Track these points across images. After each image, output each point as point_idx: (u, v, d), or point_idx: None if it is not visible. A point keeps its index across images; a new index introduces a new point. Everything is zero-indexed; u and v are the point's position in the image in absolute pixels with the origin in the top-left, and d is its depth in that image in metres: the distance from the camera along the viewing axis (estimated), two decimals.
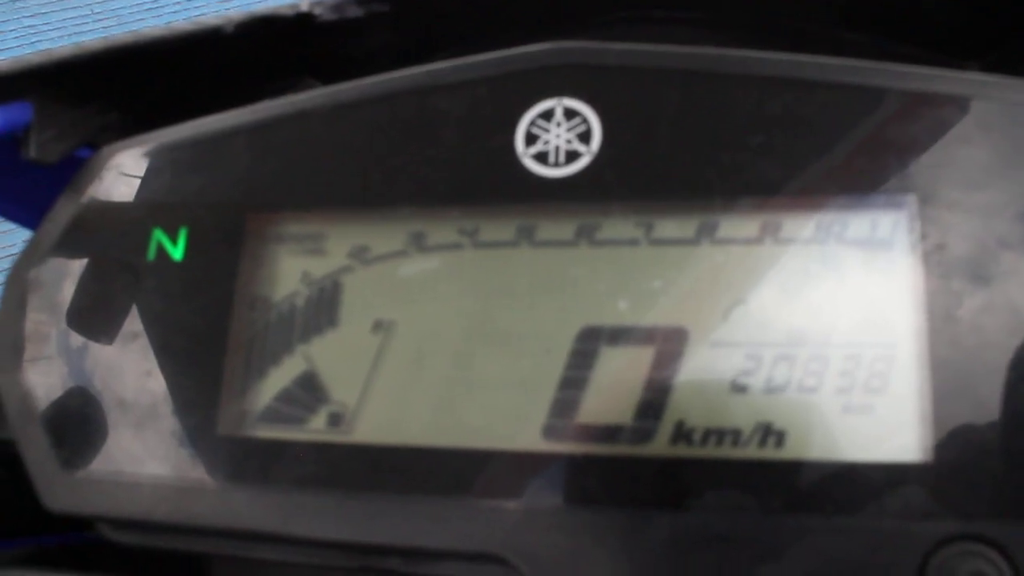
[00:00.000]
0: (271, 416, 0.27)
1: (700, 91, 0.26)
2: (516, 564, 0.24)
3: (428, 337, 0.27)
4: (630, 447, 0.24)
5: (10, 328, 0.31)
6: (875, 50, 0.33)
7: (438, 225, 0.27)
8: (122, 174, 0.31)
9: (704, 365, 0.25)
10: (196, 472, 0.27)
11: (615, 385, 0.25)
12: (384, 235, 0.28)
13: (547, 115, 0.27)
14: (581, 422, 0.25)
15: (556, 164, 0.27)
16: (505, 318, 0.26)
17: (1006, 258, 0.23)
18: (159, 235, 0.30)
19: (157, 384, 0.28)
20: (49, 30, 1.91)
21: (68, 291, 0.31)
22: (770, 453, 0.24)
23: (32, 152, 0.33)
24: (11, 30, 1.89)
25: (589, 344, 0.25)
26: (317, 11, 0.34)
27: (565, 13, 0.36)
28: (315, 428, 0.27)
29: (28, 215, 0.37)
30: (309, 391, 0.27)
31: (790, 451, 0.23)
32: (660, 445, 0.24)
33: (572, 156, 0.27)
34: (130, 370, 0.29)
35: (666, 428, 0.24)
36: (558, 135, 0.27)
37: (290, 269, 0.29)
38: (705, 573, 0.23)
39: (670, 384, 0.25)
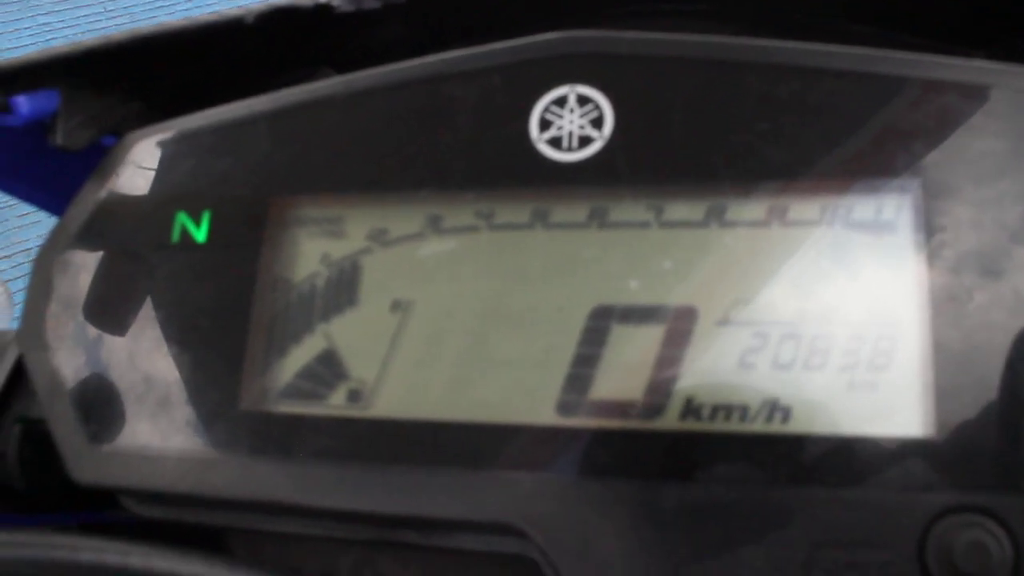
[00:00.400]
0: (292, 392, 0.28)
1: (709, 78, 0.27)
2: (530, 533, 0.25)
3: (445, 316, 0.28)
4: (641, 422, 0.25)
5: (37, 311, 0.32)
6: (880, 40, 0.34)
7: (454, 208, 0.28)
8: (147, 160, 0.32)
9: (713, 343, 0.25)
10: (219, 446, 0.28)
11: (627, 362, 0.26)
12: (402, 218, 0.29)
13: (560, 101, 0.28)
14: (594, 398, 0.26)
15: (569, 149, 0.28)
16: (520, 298, 0.27)
17: (1008, 243, 0.24)
18: (183, 218, 0.31)
19: (181, 362, 0.29)
20: (62, 27, 1.93)
21: (94, 272, 0.31)
22: (776, 428, 0.24)
23: (59, 139, 0.34)
24: (26, 28, 1.90)
25: (601, 322, 0.26)
26: (335, 2, 0.34)
27: (576, 7, 0.37)
28: (335, 404, 0.28)
29: (54, 201, 0.38)
30: (329, 368, 0.28)
31: (796, 426, 0.24)
32: (670, 420, 0.25)
33: (585, 141, 0.28)
34: (154, 348, 0.30)
35: (676, 404, 0.25)
36: (571, 121, 0.28)
37: (310, 251, 0.29)
38: (712, 542, 0.23)
39: (680, 361, 0.25)
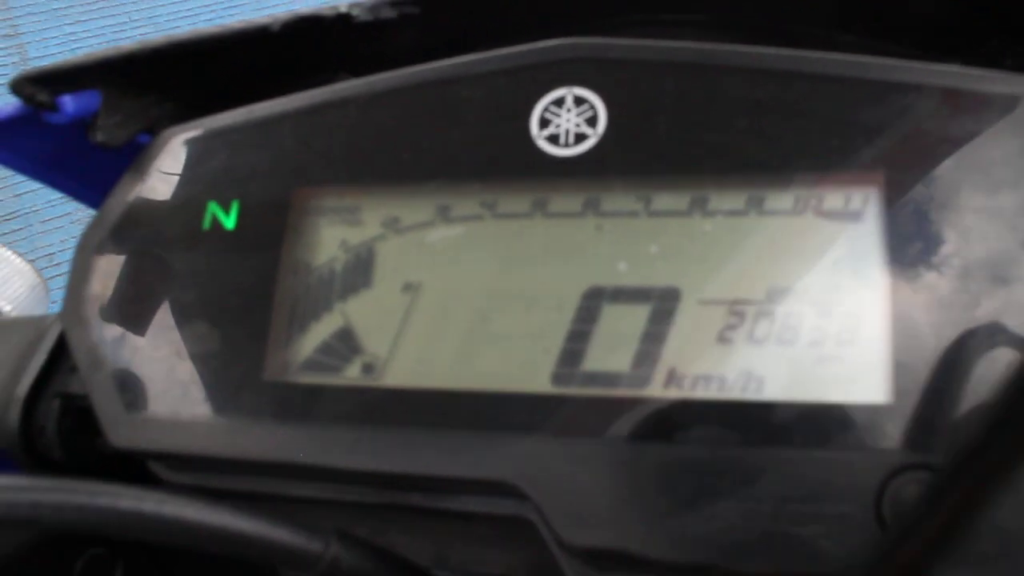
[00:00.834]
0: (311, 365, 0.31)
1: (693, 81, 0.29)
2: (526, 490, 0.27)
3: (452, 296, 0.30)
4: (628, 390, 0.28)
5: (79, 292, 0.35)
6: (861, 48, 0.36)
7: (461, 198, 0.31)
8: (180, 155, 0.35)
9: (694, 320, 0.28)
10: (244, 413, 0.31)
11: (616, 337, 0.28)
12: (413, 207, 0.31)
13: (559, 102, 0.31)
14: (585, 369, 0.28)
15: (566, 145, 0.30)
16: (520, 279, 0.30)
17: (960, 231, 0.26)
18: (214, 207, 0.34)
19: (211, 337, 0.32)
20: (88, 36, 1.97)
21: (131, 257, 0.34)
22: (751, 395, 0.27)
23: (99, 136, 0.37)
24: (53, 36, 1.95)
25: (593, 302, 0.29)
26: (355, 12, 0.37)
27: (577, 18, 0.39)
28: (350, 375, 0.30)
29: (92, 194, 0.41)
30: (345, 343, 0.31)
31: (768, 394, 0.27)
32: (654, 389, 0.28)
33: (580, 138, 0.30)
34: (186, 325, 0.33)
35: (660, 374, 0.28)
36: (568, 119, 0.30)
37: (329, 237, 0.32)
38: (691, 497, 0.26)
39: (664, 337, 0.28)
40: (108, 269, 0.35)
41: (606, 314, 0.29)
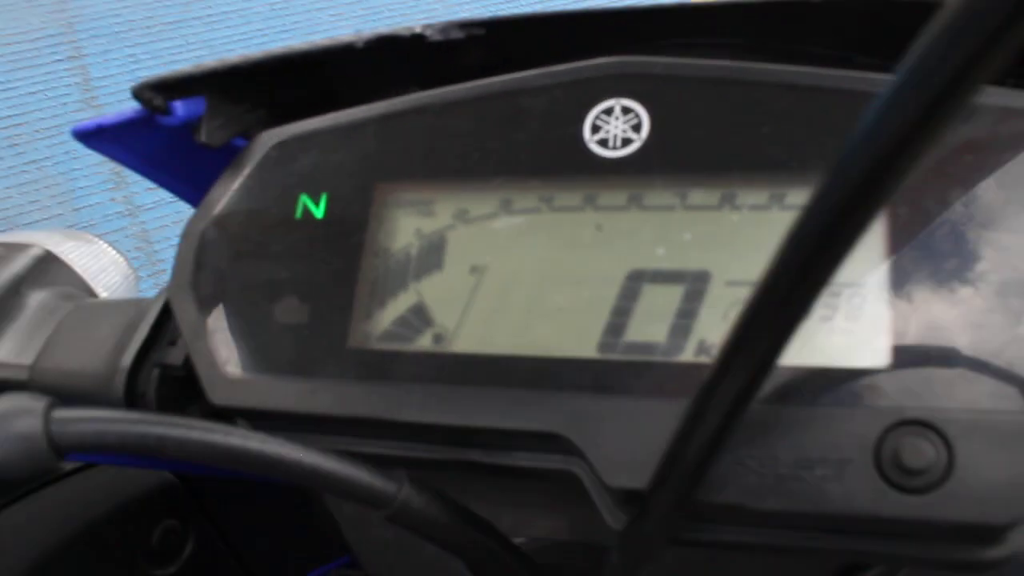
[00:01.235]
0: (389, 335, 0.36)
1: (724, 93, 0.34)
2: (573, 439, 0.32)
3: (512, 277, 0.35)
4: (663, 358, 0.32)
5: (184, 270, 0.40)
6: (876, 68, 0.41)
7: (522, 193, 0.36)
8: (275, 153, 0.40)
9: (721, 298, 0.32)
10: (328, 376, 0.36)
11: (654, 313, 0.33)
12: (480, 200, 0.36)
13: (608, 111, 0.36)
14: (627, 340, 0.33)
15: (614, 148, 0.35)
16: (571, 262, 0.34)
17: (950, 220, 0.31)
18: (305, 199, 0.39)
19: (300, 311, 0.37)
20: (148, 58, 2.07)
21: (231, 241, 0.40)
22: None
23: (203, 137, 0.42)
24: (114, 58, 2.05)
25: (635, 282, 0.33)
26: (428, 33, 0.42)
27: (624, 40, 0.44)
28: (422, 344, 0.35)
29: (193, 192, 0.46)
30: (419, 318, 0.36)
31: (783, 359, 0.31)
32: (686, 357, 0.32)
33: (626, 142, 0.35)
34: (279, 300, 0.38)
35: (691, 345, 0.32)
36: (616, 126, 0.35)
37: (406, 226, 0.37)
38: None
39: (696, 313, 0.32)
40: (210, 250, 0.40)
41: (645, 293, 0.33)
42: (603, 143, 0.35)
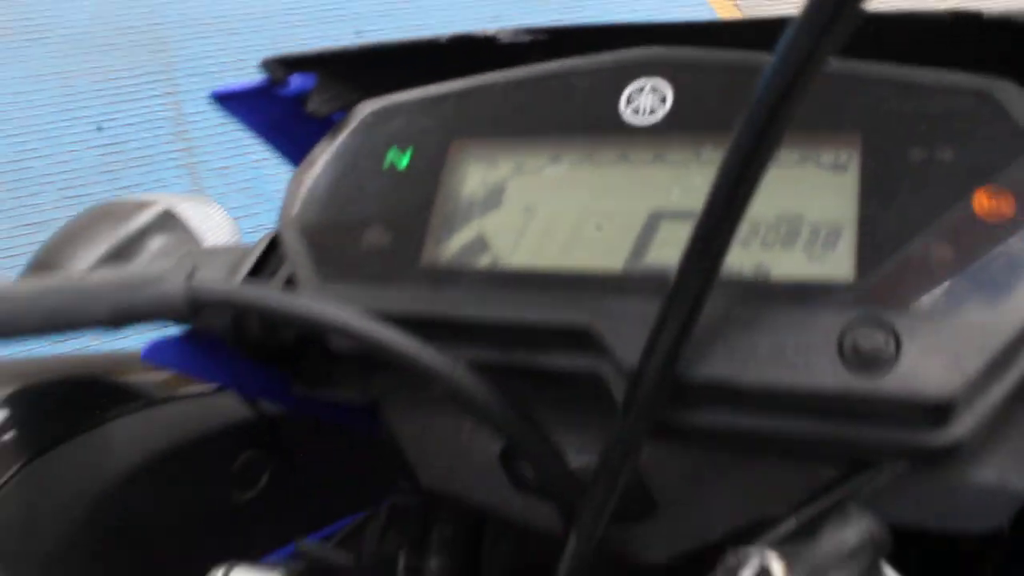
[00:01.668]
0: (453, 257, 0.44)
1: (733, 75, 0.43)
2: (598, 330, 0.39)
3: (557, 215, 0.43)
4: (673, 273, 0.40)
5: (291, 208, 0.49)
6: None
7: (568, 150, 0.44)
8: (371, 118, 0.50)
9: None
10: (403, 285, 0.44)
11: (668, 241, 0.41)
12: (534, 156, 0.45)
13: (640, 89, 0.44)
14: (647, 260, 0.41)
15: (643, 116, 0.44)
16: (605, 204, 0.43)
17: (911, 177, 0.38)
18: (392, 153, 0.48)
19: (384, 237, 0.46)
20: None
21: (329, 185, 0.49)
22: (762, 277, 0.39)
23: (312, 107, 0.52)
24: (207, 96, 2.23)
25: (655, 219, 0.42)
26: (500, 35, 0.52)
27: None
28: (480, 264, 0.44)
29: (296, 153, 0.55)
30: (479, 244, 0.44)
31: (775, 275, 0.39)
32: None
33: (653, 111, 0.43)
34: (367, 229, 0.46)
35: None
36: (646, 100, 0.44)
37: (474, 175, 0.46)
38: (712, 335, 0.38)
39: None
40: (311, 193, 0.49)
41: (663, 227, 0.41)
42: (635, 112, 0.44)
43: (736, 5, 3.42)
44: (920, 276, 0.37)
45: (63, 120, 2.14)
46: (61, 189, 2.06)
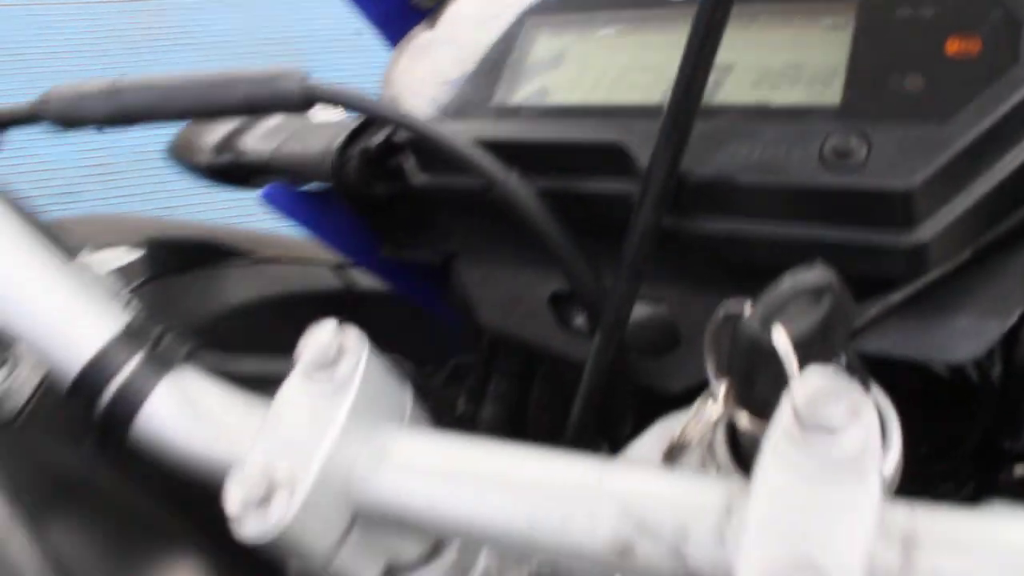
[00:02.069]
0: (518, 100, 0.54)
1: None
2: (629, 144, 0.48)
3: (607, 66, 0.53)
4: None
5: (391, 75, 0.59)
6: None
7: (619, 20, 0.54)
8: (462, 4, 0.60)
9: (740, 80, 0.49)
10: (475, 119, 0.54)
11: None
12: (591, 25, 0.54)
13: None
14: None
15: None
16: (647, 58, 0.52)
17: (891, 34, 0.46)
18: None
19: (466, 87, 0.56)
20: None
21: (427, 56, 0.59)
22: (764, 100, 0.47)
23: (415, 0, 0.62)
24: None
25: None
26: None
27: None
28: (539, 103, 0.53)
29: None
30: (540, 92, 0.54)
31: (773, 104, 0.47)
32: (715, 103, 0.48)
33: None
34: (450, 85, 0.56)
35: (719, 98, 0.48)
36: None
37: (541, 40, 0.55)
38: (717, 146, 0.46)
39: (723, 82, 0.49)
40: (406, 63, 0.59)
41: None
42: None
43: None
44: (894, 99, 0.44)
45: None
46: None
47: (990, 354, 0.49)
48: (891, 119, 0.44)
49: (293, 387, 0.39)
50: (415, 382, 0.46)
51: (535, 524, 0.34)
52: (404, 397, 0.42)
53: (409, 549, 0.42)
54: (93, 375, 0.43)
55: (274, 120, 0.70)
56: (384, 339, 0.77)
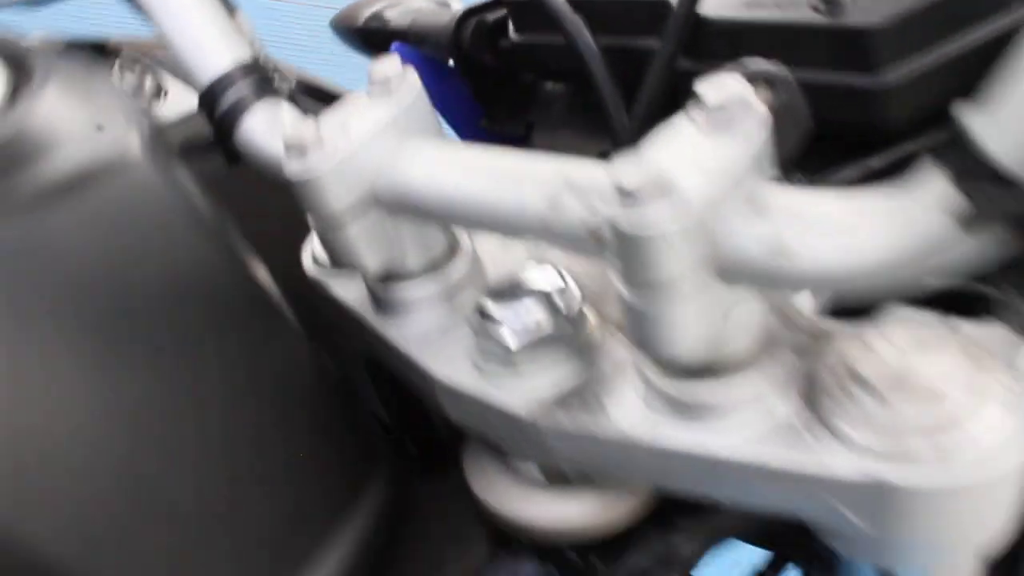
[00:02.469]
0: None
1: None
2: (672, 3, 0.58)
3: None
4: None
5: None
6: None
7: None
8: None
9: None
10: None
11: None
12: None
13: None
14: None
15: None
16: None
17: None
18: None
19: None
20: None
21: None
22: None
23: None
24: None
25: None
26: None
27: None
28: None
29: None
30: None
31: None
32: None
33: None
34: None
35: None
36: None
37: None
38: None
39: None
40: None
41: None
42: None
43: None
44: None
45: None
46: None
47: None
48: None
49: (358, 96, 0.52)
50: None
51: (505, 204, 0.44)
52: (437, 127, 0.53)
53: (407, 257, 0.53)
54: (217, 89, 0.58)
55: (416, 3, 0.85)
56: None
